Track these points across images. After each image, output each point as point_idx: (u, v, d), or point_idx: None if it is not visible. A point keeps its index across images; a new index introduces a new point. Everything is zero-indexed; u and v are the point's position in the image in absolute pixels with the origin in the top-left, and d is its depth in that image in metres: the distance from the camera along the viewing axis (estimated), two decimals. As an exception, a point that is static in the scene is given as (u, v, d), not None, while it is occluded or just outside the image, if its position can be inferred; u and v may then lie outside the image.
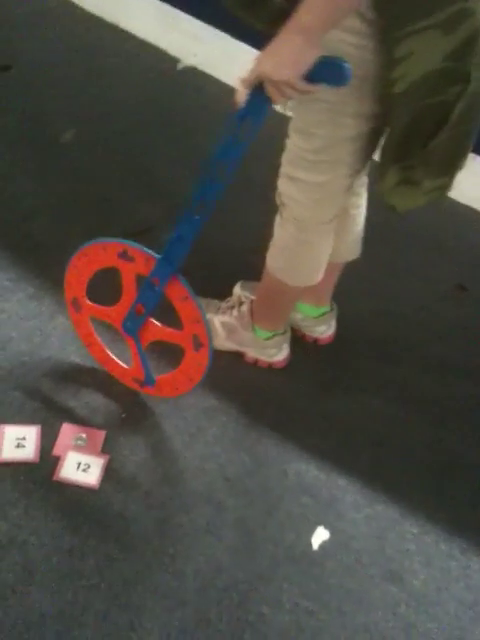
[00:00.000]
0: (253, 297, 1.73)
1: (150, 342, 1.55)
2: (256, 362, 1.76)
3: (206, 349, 1.48)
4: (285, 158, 1.41)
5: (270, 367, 1.75)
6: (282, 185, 1.43)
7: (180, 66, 2.64)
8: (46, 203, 2.05)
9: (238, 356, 1.76)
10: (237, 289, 1.83)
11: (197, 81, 2.58)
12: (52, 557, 1.38)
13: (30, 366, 1.67)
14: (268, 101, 1.16)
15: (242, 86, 1.16)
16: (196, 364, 1.52)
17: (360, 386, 1.75)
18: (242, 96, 1.17)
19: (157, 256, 1.41)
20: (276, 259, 1.53)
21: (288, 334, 1.73)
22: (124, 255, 1.45)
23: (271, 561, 1.44)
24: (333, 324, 1.81)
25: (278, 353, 1.73)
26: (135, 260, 1.44)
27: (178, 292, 1.43)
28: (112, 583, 1.37)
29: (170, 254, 1.39)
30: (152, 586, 1.38)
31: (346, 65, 1.08)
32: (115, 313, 1.55)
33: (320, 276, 1.55)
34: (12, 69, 2.50)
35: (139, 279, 1.47)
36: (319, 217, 1.43)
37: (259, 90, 1.15)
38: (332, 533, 1.49)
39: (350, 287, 1.80)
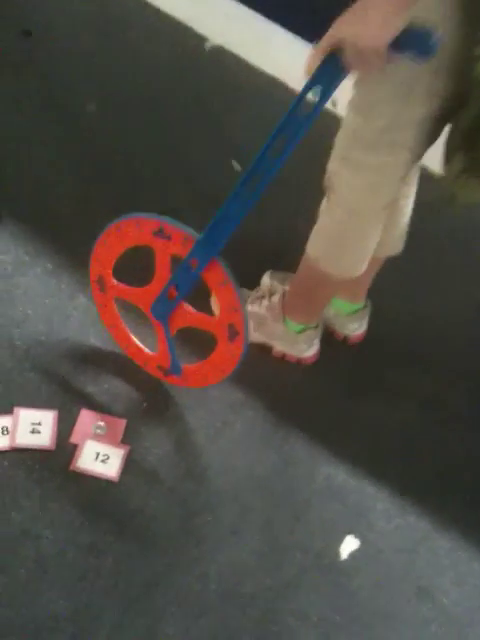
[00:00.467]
0: (285, 287, 1.64)
1: (180, 329, 1.47)
2: (284, 356, 1.66)
3: (241, 339, 1.38)
4: (340, 137, 1.31)
5: (298, 363, 1.66)
6: (334, 166, 1.33)
7: (208, 45, 2.53)
8: (68, 175, 1.93)
9: (264, 350, 1.66)
10: (266, 279, 1.74)
11: (225, 61, 2.48)
12: (67, 553, 1.29)
13: (47, 347, 1.56)
14: (343, 71, 1.07)
15: (315, 53, 1.07)
16: (229, 355, 1.42)
17: (391, 391, 1.66)
18: (313, 64, 1.08)
19: (197, 236, 1.33)
20: (319, 247, 1.43)
21: (320, 329, 1.64)
22: (160, 233, 1.35)
23: (298, 569, 1.36)
24: (365, 322, 1.71)
25: (308, 348, 1.64)
26: (172, 239, 1.34)
27: (217, 276, 1.33)
28: (131, 584, 1.27)
29: (213, 234, 1.28)
30: (173, 589, 1.29)
31: (437, 35, 0.99)
32: (144, 295, 1.45)
33: (364, 267, 1.45)
34: (32, 36, 2.39)
35: (174, 261, 1.38)
36: (371, 204, 1.33)
37: (334, 58, 1.06)
38: (362, 543, 1.41)
39: (385, 286, 1.70)
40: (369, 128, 1.24)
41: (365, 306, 1.69)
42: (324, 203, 1.39)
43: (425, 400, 1.66)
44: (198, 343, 1.52)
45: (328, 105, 1.21)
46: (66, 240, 1.77)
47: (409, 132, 1.23)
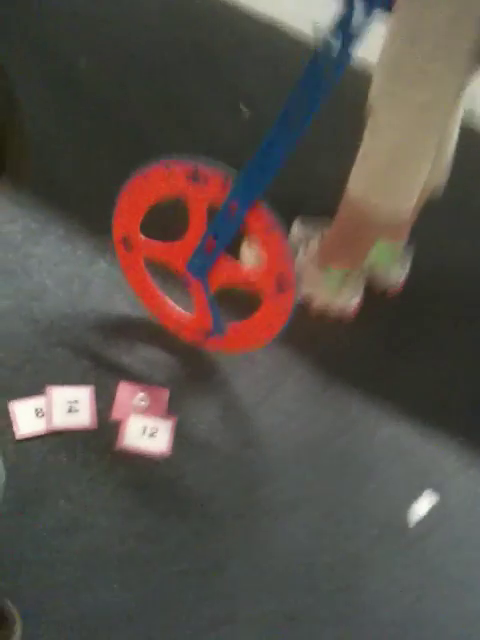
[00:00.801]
0: (324, 231, 1.52)
1: (221, 286, 1.34)
2: (325, 310, 1.54)
3: (291, 292, 1.24)
4: (381, 67, 1.18)
5: (339, 317, 1.52)
6: (376, 99, 1.20)
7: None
8: (66, 135, 1.76)
9: (302, 306, 1.50)
10: (296, 227, 1.60)
11: (218, 7, 2.32)
12: (126, 540, 1.16)
13: (72, 318, 1.41)
14: None
15: None
16: (278, 309, 1.28)
17: (444, 341, 1.53)
18: None
19: (237, 176, 1.18)
20: (364, 182, 1.29)
21: (365, 276, 1.51)
22: (194, 177, 1.20)
23: (371, 536, 1.25)
24: (407, 268, 1.59)
25: (352, 298, 1.50)
26: (208, 183, 1.20)
27: (261, 221, 1.19)
28: (200, 568, 1.16)
29: (255, 171, 1.14)
30: (246, 569, 1.17)
31: None
32: (178, 251, 1.30)
33: (415, 201, 1.33)
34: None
35: (211, 211, 1.24)
36: (420, 143, 1.20)
37: None
38: (435, 503, 1.30)
39: (421, 229, 1.56)
40: (415, 56, 1.11)
41: (407, 249, 1.57)
42: (367, 134, 1.26)
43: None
44: (235, 305, 1.39)
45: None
46: (75, 203, 1.61)
47: (461, 56, 1.09)
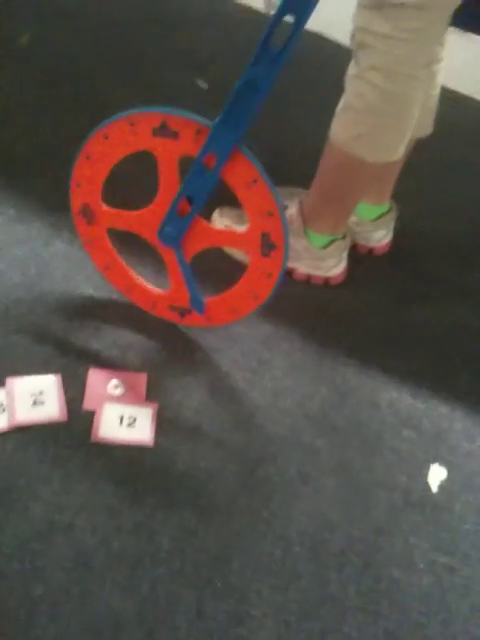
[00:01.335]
0: (300, 197, 1.41)
1: (197, 253, 1.21)
2: (308, 279, 1.42)
3: (280, 253, 1.12)
4: None
5: (326, 283, 1.44)
6: (363, 19, 1.09)
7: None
8: (17, 112, 1.63)
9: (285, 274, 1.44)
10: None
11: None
12: (112, 541, 1.01)
13: (30, 303, 1.27)
14: None
15: None
16: (264, 275, 1.16)
17: (437, 295, 1.45)
18: None
19: (212, 123, 1.06)
20: (350, 126, 1.19)
21: (348, 240, 1.41)
22: (163, 130, 1.07)
23: (388, 511, 1.13)
24: (392, 228, 1.50)
25: (337, 264, 1.40)
26: (179, 135, 1.08)
27: (243, 173, 1.07)
28: (198, 564, 1.02)
29: (233, 114, 1.02)
30: (251, 560, 1.04)
31: None
32: (147, 218, 1.17)
33: (403, 148, 1.23)
34: None
35: (183, 167, 1.12)
36: (414, 57, 1.10)
37: None
38: (449, 470, 1.20)
39: (401, 187, 1.48)
40: None
41: (391, 209, 1.47)
42: (353, 69, 1.16)
43: (477, 297, 1.46)
44: (214, 277, 1.29)
45: None
46: (26, 181, 1.47)
47: None
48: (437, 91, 1.30)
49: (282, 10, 0.98)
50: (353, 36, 1.13)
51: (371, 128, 1.17)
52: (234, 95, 1.03)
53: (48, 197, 1.42)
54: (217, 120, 1.04)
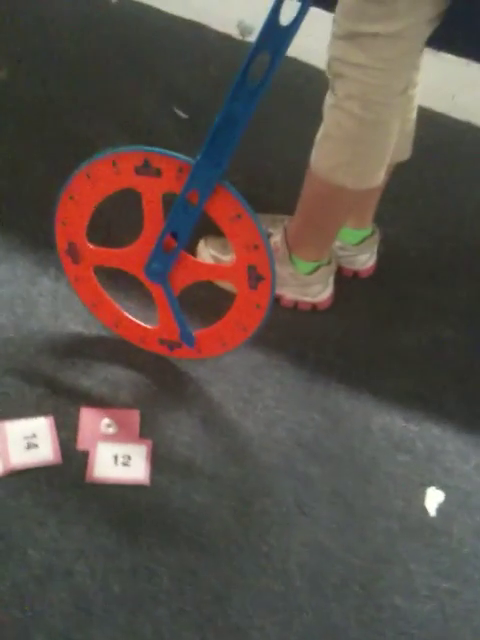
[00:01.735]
0: (285, 224, 1.42)
1: (185, 287, 1.21)
2: (296, 305, 1.43)
3: (268, 284, 1.13)
4: (340, 10, 1.09)
5: (313, 309, 1.45)
6: (338, 50, 1.11)
7: (113, -2, 2.29)
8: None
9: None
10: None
11: (134, 11, 2.21)
12: (112, 585, 1.01)
13: (18, 343, 1.26)
14: None
15: None
16: (252, 307, 1.17)
17: (422, 316, 1.46)
18: None
19: (194, 160, 1.07)
20: (329, 155, 1.20)
21: (334, 265, 1.42)
22: (146, 168, 1.07)
23: (387, 538, 1.13)
24: (375, 251, 1.51)
25: (323, 290, 1.41)
26: (162, 173, 1.08)
27: (226, 207, 1.08)
28: (200, 603, 1.01)
29: (214, 150, 1.02)
30: (253, 597, 1.03)
31: None
32: (133, 255, 1.17)
33: (383, 174, 1.25)
34: None
35: (168, 202, 1.11)
36: (390, 85, 1.12)
37: None
38: (446, 492, 1.20)
39: (382, 209, 1.49)
40: None
41: (373, 232, 1.48)
42: (330, 99, 1.17)
43: (460, 319, 1.47)
44: (201, 310, 1.30)
45: None
46: (10, 218, 1.46)
47: None
48: (414, 115, 1.31)
49: (257, 48, 0.99)
50: (329, 66, 1.15)
51: (350, 156, 1.19)
52: (214, 131, 1.04)
53: (32, 235, 1.41)
54: (198, 157, 1.06)
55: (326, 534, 1.11)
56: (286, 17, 0.99)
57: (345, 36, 1.09)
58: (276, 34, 0.97)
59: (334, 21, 1.12)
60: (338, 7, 1.10)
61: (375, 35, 1.07)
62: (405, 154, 1.35)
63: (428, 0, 1.03)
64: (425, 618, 1.05)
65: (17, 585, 0.99)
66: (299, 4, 0.97)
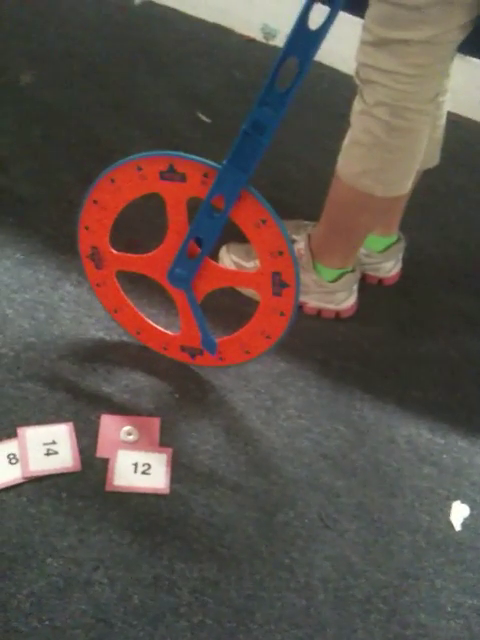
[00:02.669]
0: (308, 231, 1.40)
1: (208, 294, 1.19)
2: (319, 313, 1.41)
3: (292, 291, 1.11)
4: (370, 17, 1.07)
5: (337, 317, 1.42)
6: (368, 56, 1.09)
7: (138, 1, 2.27)
8: (20, 152, 1.61)
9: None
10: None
11: (157, 13, 2.20)
12: (132, 596, 0.99)
13: (40, 349, 1.25)
14: None
15: None
16: (276, 314, 1.14)
17: (449, 325, 1.44)
18: None
19: (220, 165, 1.05)
20: (357, 162, 1.18)
21: (358, 273, 1.39)
22: (170, 173, 1.06)
23: (412, 553, 1.10)
24: (400, 259, 1.49)
25: (348, 297, 1.39)
26: (187, 178, 1.07)
27: (252, 213, 1.06)
28: (221, 617, 0.99)
29: (241, 155, 1.00)
30: (275, 611, 1.01)
31: None
32: (156, 261, 1.16)
33: (412, 180, 1.22)
34: None
35: (191, 209, 1.10)
36: (421, 92, 1.09)
37: None
38: (472, 507, 1.17)
39: (407, 216, 1.47)
40: None
41: (399, 239, 1.46)
42: (358, 105, 1.15)
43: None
44: (225, 315, 1.28)
45: None
46: (33, 223, 1.45)
47: None
48: (443, 122, 1.29)
49: (286, 52, 0.98)
50: (357, 72, 1.13)
51: (379, 163, 1.16)
52: (241, 136, 1.02)
53: (54, 239, 1.41)
54: (225, 162, 1.04)
55: (350, 548, 1.09)
56: (314, 21, 0.97)
57: (376, 42, 1.07)
58: (305, 39, 0.96)
59: (364, 28, 1.10)
60: (368, 13, 1.08)
61: (407, 42, 1.04)
62: (433, 161, 1.32)
63: (461, 6, 1.01)
64: (451, 636, 1.03)
65: (36, 594, 0.98)
66: (327, 9, 0.95)
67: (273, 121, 1.01)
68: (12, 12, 2.07)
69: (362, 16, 1.15)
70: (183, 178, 1.07)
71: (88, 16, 2.14)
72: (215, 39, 2.11)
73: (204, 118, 1.83)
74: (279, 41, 2.09)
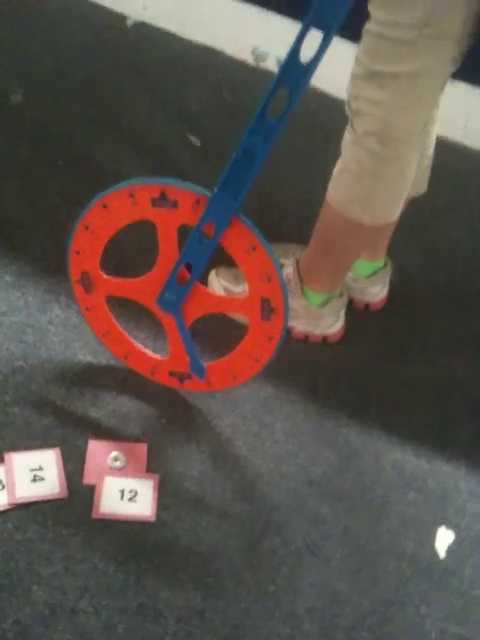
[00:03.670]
0: (296, 256, 1.41)
1: (196, 319, 1.20)
2: (306, 337, 1.42)
3: (280, 316, 1.12)
4: (361, 49, 1.09)
5: (324, 341, 1.43)
6: (358, 88, 1.11)
7: (130, 22, 2.28)
8: (9, 173, 1.62)
9: None
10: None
11: (151, 35, 2.22)
12: (117, 624, 0.99)
13: (28, 372, 1.25)
14: None
15: None
16: (264, 338, 1.15)
17: (436, 349, 1.45)
18: None
19: (210, 193, 1.06)
20: (347, 190, 1.19)
21: (345, 298, 1.41)
22: (162, 199, 1.07)
23: (397, 580, 1.11)
24: (387, 283, 1.50)
25: (334, 322, 1.40)
26: (178, 205, 1.08)
27: (242, 240, 1.07)
28: (207, 646, 1.01)
29: (231, 183, 1.02)
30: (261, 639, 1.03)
31: None
32: (146, 286, 1.16)
33: (400, 209, 1.24)
34: None
35: (182, 233, 1.10)
36: (409, 124, 1.11)
37: None
38: (457, 533, 1.18)
39: (394, 240, 1.48)
40: (404, 23, 1.01)
41: (386, 264, 1.47)
42: (348, 135, 1.16)
43: (477, 348, 1.45)
44: (213, 339, 1.29)
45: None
46: (21, 245, 1.45)
47: (455, 15, 1.00)
48: (431, 151, 1.31)
49: (277, 83, 0.99)
50: (348, 104, 1.15)
51: (368, 192, 1.18)
52: (231, 164, 1.03)
53: (44, 261, 1.41)
54: (215, 190, 1.05)
55: (336, 575, 1.09)
56: (306, 51, 0.99)
57: (365, 75, 1.09)
58: (296, 71, 0.97)
59: (356, 60, 1.12)
60: (360, 46, 1.10)
61: (396, 74, 1.06)
62: (422, 188, 1.34)
63: (450, 40, 1.03)
64: (437, 665, 1.04)
65: (20, 623, 0.98)
66: (318, 37, 0.97)
67: (263, 151, 1.02)
68: (2, 30, 2.09)
69: (355, 40, 1.17)
70: (175, 205, 1.08)
71: (80, 36, 2.15)
72: (205, 61, 2.13)
73: (194, 140, 1.84)
74: (269, 64, 2.12)
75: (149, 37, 2.22)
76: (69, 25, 2.18)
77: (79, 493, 1.11)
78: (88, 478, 1.13)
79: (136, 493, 1.12)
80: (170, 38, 2.22)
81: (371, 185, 1.17)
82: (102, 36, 2.18)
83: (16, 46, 2.04)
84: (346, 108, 1.16)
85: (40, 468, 1.12)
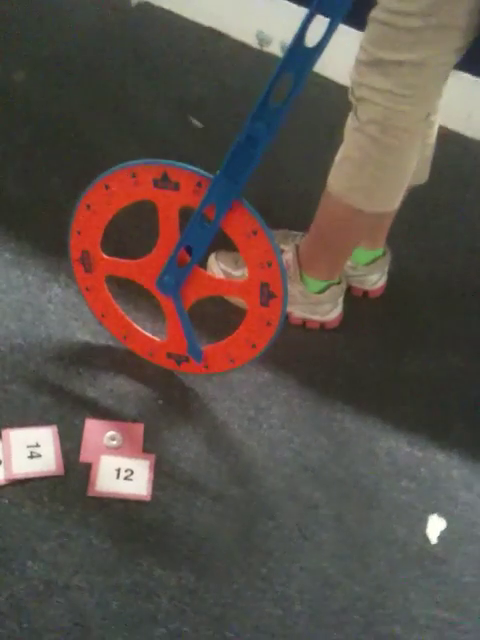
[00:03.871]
0: (296, 242, 1.41)
1: (195, 302, 1.20)
2: (304, 323, 1.42)
3: (279, 302, 1.13)
4: (366, 37, 1.09)
5: (322, 328, 1.44)
6: (362, 75, 1.10)
7: (134, 2, 2.27)
8: (9, 152, 1.62)
9: None
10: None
11: (155, 15, 2.21)
12: (110, 602, 1.00)
13: (26, 350, 1.25)
14: None
15: None
16: (262, 323, 1.16)
17: (432, 341, 1.45)
18: None
19: (212, 176, 1.06)
20: (347, 178, 1.19)
21: (344, 285, 1.41)
22: (164, 181, 1.07)
23: (388, 566, 1.12)
24: (385, 272, 1.51)
25: (333, 309, 1.40)
26: (180, 187, 1.08)
27: (243, 224, 1.07)
28: (197, 625, 1.00)
29: (233, 167, 1.02)
30: (252, 621, 1.02)
31: None
32: (146, 267, 1.17)
33: (401, 198, 1.24)
34: None
35: (183, 216, 1.11)
36: (412, 113, 1.11)
37: None
38: (448, 521, 1.19)
39: (394, 230, 1.47)
40: (409, 12, 1.01)
41: (385, 253, 1.47)
42: (351, 122, 1.16)
43: (472, 341, 1.46)
44: (211, 323, 1.29)
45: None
46: (21, 222, 1.46)
47: (461, 6, 1.01)
48: (433, 140, 1.31)
49: (281, 68, 0.99)
50: (352, 91, 1.14)
51: (369, 180, 1.18)
52: (234, 149, 1.04)
53: (44, 240, 1.41)
54: (218, 172, 1.05)
55: (328, 560, 1.10)
56: (311, 36, 0.98)
57: (370, 62, 1.09)
58: (301, 56, 0.97)
59: (360, 47, 1.11)
60: (365, 33, 1.09)
61: (400, 63, 1.06)
62: (423, 178, 1.34)
63: (455, 30, 1.03)
64: (427, 649, 1.06)
65: (15, 598, 0.99)
66: (324, 23, 0.96)
67: (266, 136, 1.02)
68: (6, 11, 2.07)
69: (360, 28, 1.17)
70: (176, 187, 1.08)
71: (83, 16, 2.13)
72: (209, 43, 2.12)
73: (196, 123, 1.83)
74: (273, 48, 2.11)
75: (152, 18, 2.20)
76: (73, 6, 2.17)
77: (75, 471, 1.12)
78: (85, 456, 1.14)
79: (132, 472, 1.13)
80: (173, 18, 2.20)
81: (372, 173, 1.17)
82: (106, 17, 2.17)
83: (20, 27, 2.03)
84: (349, 95, 1.15)
85: (37, 445, 1.13)
